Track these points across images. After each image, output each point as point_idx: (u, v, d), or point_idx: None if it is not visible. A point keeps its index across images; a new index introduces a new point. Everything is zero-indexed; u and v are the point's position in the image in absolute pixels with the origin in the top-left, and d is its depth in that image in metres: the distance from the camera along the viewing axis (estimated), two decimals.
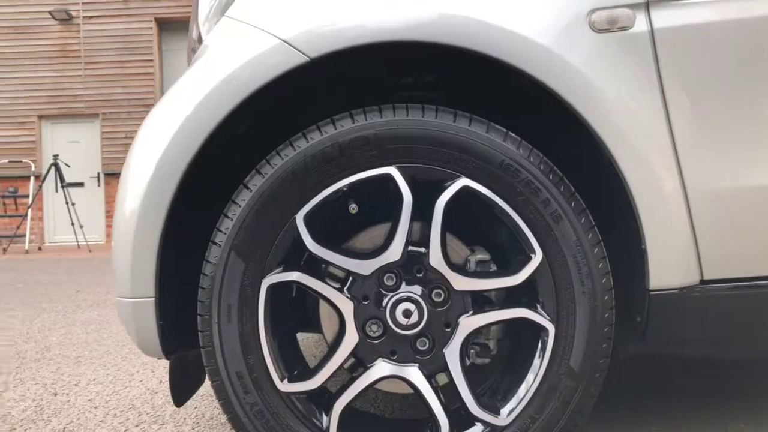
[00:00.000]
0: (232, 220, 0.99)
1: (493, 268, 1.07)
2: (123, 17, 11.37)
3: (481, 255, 1.07)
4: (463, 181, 1.00)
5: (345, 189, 1.01)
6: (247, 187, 1.00)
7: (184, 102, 1.02)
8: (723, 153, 1.01)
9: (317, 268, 1.02)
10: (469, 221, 1.08)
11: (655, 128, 1.00)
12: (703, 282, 1.04)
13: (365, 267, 1.00)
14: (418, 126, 1.00)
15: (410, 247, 1.01)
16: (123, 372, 2.00)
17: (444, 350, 1.01)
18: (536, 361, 1.01)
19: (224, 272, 0.99)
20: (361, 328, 1.01)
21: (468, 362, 1.03)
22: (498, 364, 1.13)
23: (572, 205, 1.00)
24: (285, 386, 1.01)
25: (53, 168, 9.43)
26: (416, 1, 1.00)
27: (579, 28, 1.00)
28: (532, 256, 1.00)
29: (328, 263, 1.01)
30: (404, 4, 1.00)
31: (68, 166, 9.72)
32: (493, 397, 1.06)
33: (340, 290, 1.01)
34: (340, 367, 1.02)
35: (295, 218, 0.99)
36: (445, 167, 1.00)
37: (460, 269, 1.03)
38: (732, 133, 1.01)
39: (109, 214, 11.27)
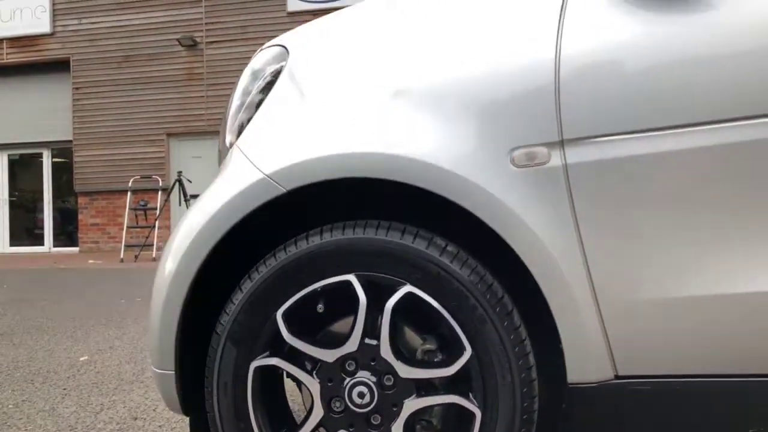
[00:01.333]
0: (228, 314, 1.28)
1: (440, 356, 1.28)
2: (241, 42, 12.26)
3: (429, 345, 1.29)
4: (408, 288, 1.22)
5: (318, 290, 1.27)
6: (241, 289, 1.29)
7: (200, 219, 1.32)
8: (629, 269, 1.16)
9: (294, 354, 1.29)
10: (422, 314, 1.30)
11: (568, 249, 1.17)
12: (617, 377, 1.20)
13: (329, 355, 1.26)
14: (372, 242, 1.24)
15: (366, 339, 1.25)
16: None
17: (392, 425, 1.24)
18: None
19: (222, 356, 1.28)
20: (326, 405, 1.26)
21: None
22: None
23: (497, 310, 1.20)
24: None
25: (177, 183, 10.39)
26: (368, 144, 1.24)
27: (502, 163, 1.20)
28: (464, 351, 1.21)
29: (301, 352, 1.27)
30: (360, 148, 1.25)
31: (190, 181, 10.65)
32: None
33: (310, 373, 1.27)
34: (313, 431, 1.28)
35: (276, 314, 1.27)
36: (393, 275, 1.23)
37: (406, 359, 1.25)
38: (635, 253, 1.16)
39: None
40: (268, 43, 1.55)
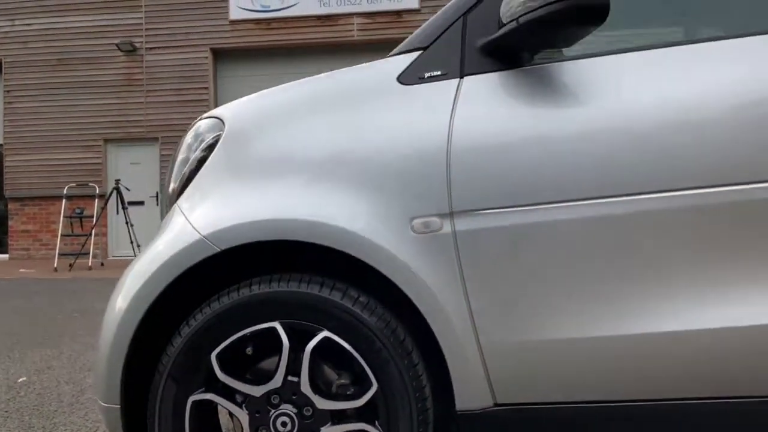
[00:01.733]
0: (169, 356, 1.48)
1: (351, 390, 1.51)
2: (181, 48, 12.23)
3: (343, 380, 1.51)
4: (325, 333, 1.45)
5: (248, 334, 1.47)
6: (180, 334, 1.48)
7: (148, 267, 1.51)
8: (504, 317, 1.42)
9: (227, 389, 1.49)
10: (337, 354, 1.52)
11: (455, 300, 1.42)
12: (496, 405, 1.46)
13: (257, 391, 1.47)
14: (294, 294, 1.45)
15: (288, 377, 1.47)
16: None
17: None
18: None
19: (163, 392, 1.47)
20: None
21: None
22: None
23: (399, 351, 1.44)
24: None
25: (115, 191, 10.30)
26: (292, 212, 1.46)
27: (404, 230, 1.44)
28: (371, 386, 1.44)
29: (232, 388, 1.48)
30: (284, 214, 1.46)
31: (128, 189, 10.56)
32: None
33: (240, 406, 1.48)
34: None
35: (210, 356, 1.47)
36: (312, 323, 1.45)
37: (323, 393, 1.47)
38: (509, 304, 1.42)
39: None
40: (206, 114, 1.74)
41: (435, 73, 1.52)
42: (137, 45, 12.35)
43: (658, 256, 1.40)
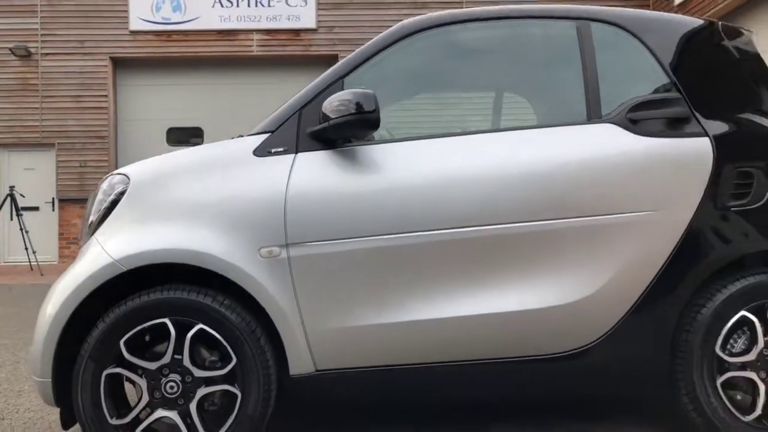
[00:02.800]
0: (89, 343, 2.13)
1: (219, 364, 2.21)
2: (79, 55, 12.32)
3: (214, 357, 2.21)
4: (200, 326, 2.15)
5: (146, 327, 2.15)
6: (97, 327, 2.14)
7: (72, 282, 2.15)
8: (322, 311, 2.18)
9: (132, 365, 2.16)
10: (209, 339, 2.22)
11: (289, 302, 2.17)
12: (317, 370, 2.21)
13: (153, 366, 2.14)
14: (179, 299, 2.15)
15: (175, 355, 2.15)
16: None
17: (190, 404, 2.15)
18: (235, 410, 2.17)
19: (84, 368, 2.12)
20: (150, 394, 2.15)
21: (205, 408, 2.18)
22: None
23: (251, 336, 2.16)
24: (113, 421, 2.14)
25: (9, 198, 10.33)
26: (176, 242, 2.16)
27: (255, 255, 2.17)
28: (232, 360, 2.15)
29: (135, 364, 2.15)
30: (173, 245, 2.15)
31: (23, 196, 10.61)
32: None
33: (141, 376, 2.15)
34: (142, 410, 2.15)
35: (120, 342, 2.13)
36: (191, 318, 2.15)
37: (199, 365, 2.17)
38: (325, 302, 2.18)
39: (63, 236, 12.20)
40: (116, 171, 2.39)
41: (279, 149, 2.27)
42: (32, 50, 12.31)
43: (422, 271, 2.21)
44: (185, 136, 12.34)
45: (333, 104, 2.16)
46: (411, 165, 2.26)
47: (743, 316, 2.30)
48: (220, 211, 2.21)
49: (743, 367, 2.30)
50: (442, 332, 2.23)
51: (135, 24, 12.38)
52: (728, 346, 2.31)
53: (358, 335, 2.20)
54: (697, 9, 10.50)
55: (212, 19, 12.37)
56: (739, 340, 2.32)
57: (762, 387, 2.28)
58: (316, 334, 2.20)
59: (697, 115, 2.36)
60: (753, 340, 2.30)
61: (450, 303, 2.22)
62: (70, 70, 12.34)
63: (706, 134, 2.33)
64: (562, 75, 2.63)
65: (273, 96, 11.16)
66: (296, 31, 12.47)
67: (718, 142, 2.32)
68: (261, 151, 2.28)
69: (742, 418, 2.29)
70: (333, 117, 2.15)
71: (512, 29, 2.54)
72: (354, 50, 2.41)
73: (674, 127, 2.35)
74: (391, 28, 2.42)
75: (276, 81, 12.41)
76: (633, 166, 2.28)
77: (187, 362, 2.15)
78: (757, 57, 2.57)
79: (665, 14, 2.56)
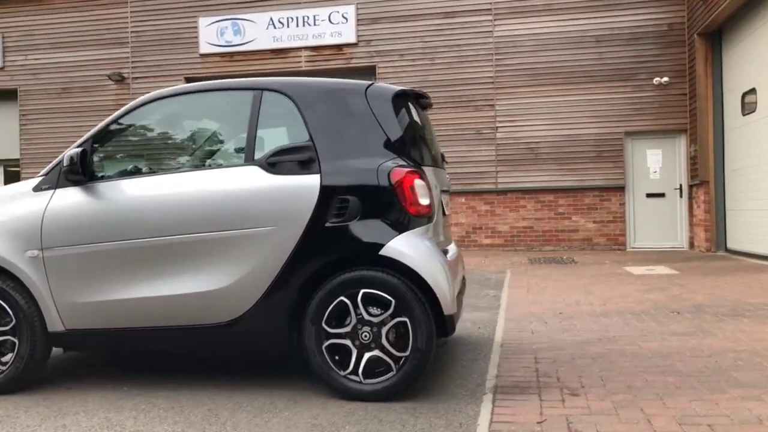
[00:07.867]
0: None
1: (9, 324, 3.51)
2: (161, 78, 14.44)
3: (3, 327, 3.53)
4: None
5: None
6: None
7: None
8: (66, 288, 3.42)
9: None
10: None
11: (44, 285, 3.43)
12: (66, 329, 3.46)
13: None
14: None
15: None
16: None
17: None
18: (14, 353, 3.47)
19: None
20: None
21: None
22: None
23: (29, 306, 3.45)
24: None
25: None
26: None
27: (24, 254, 3.46)
28: (12, 320, 3.46)
29: None
30: None
31: None
32: None
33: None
34: None
35: None
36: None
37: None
38: (68, 283, 3.43)
39: None
40: None
41: (45, 186, 3.54)
42: (125, 75, 14.63)
43: (126, 266, 3.39)
44: None
45: (65, 157, 3.39)
46: (124, 195, 3.44)
47: (341, 301, 3.22)
48: (7, 229, 3.52)
49: (342, 336, 3.22)
50: (143, 307, 3.38)
51: (204, 48, 14.30)
52: (332, 322, 3.24)
53: (89, 307, 3.42)
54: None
55: (267, 39, 13.98)
56: (339, 318, 3.25)
57: (354, 351, 3.19)
58: (62, 306, 3.45)
59: (320, 158, 3.30)
60: (348, 318, 3.22)
61: (145, 287, 3.38)
62: (155, 90, 14.47)
63: (319, 171, 3.27)
64: (237, 130, 3.68)
65: None
66: (339, 46, 13.75)
67: (326, 177, 3.25)
68: (37, 188, 3.57)
69: (340, 372, 3.22)
70: (64, 165, 3.38)
71: (210, 99, 3.63)
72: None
73: (302, 167, 3.31)
74: (131, 102, 3.61)
75: None
76: (261, 195, 3.29)
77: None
78: (387, 109, 3.42)
79: (318, 80, 3.50)
